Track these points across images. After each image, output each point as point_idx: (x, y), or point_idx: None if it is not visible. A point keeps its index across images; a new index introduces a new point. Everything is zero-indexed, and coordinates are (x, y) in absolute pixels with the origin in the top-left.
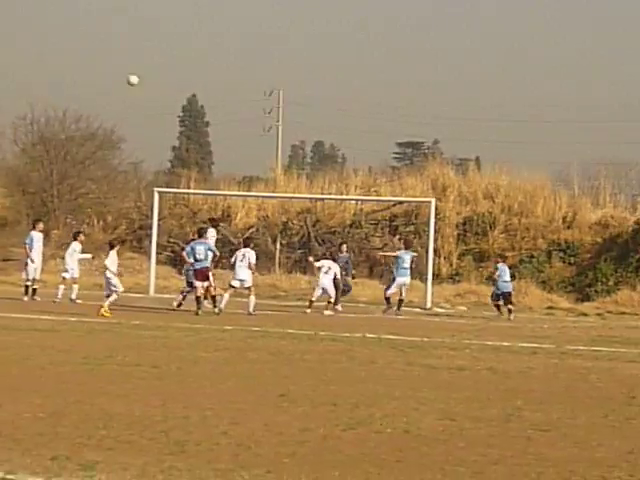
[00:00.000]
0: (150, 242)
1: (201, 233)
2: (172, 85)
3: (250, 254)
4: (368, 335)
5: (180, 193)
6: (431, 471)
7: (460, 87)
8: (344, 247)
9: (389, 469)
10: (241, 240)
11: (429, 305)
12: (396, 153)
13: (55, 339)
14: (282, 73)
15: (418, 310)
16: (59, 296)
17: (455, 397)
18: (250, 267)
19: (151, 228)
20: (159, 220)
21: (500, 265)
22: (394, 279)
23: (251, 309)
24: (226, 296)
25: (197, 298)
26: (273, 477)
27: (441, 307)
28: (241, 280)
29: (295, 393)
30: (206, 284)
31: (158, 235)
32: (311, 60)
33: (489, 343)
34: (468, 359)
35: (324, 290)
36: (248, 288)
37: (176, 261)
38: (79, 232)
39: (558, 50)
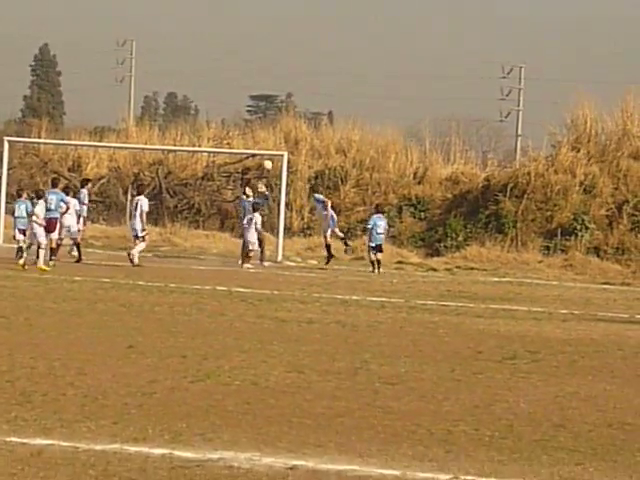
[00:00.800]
0: (0, 192)
1: (54, 183)
2: (24, 34)
3: (142, 202)
4: (218, 288)
5: (30, 143)
6: (278, 423)
7: (314, 41)
8: (248, 190)
9: (236, 421)
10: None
11: (280, 258)
12: (249, 106)
13: None
14: (135, 23)
15: (269, 263)
16: None
17: (304, 350)
18: (141, 215)
19: (0, 178)
20: (9, 170)
21: (375, 217)
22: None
23: (136, 260)
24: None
25: (51, 249)
26: (120, 428)
27: (292, 260)
28: (133, 229)
29: (144, 345)
30: (53, 236)
31: (8, 185)
32: (165, 10)
33: (338, 297)
34: (317, 313)
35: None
36: (136, 237)
37: None
38: None
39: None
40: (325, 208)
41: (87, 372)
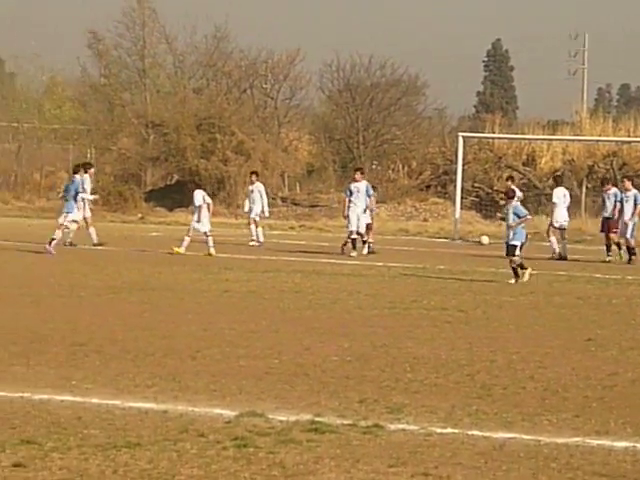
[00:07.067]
0: (455, 187)
1: None
2: (476, 31)
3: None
4: None
5: (484, 138)
6: None
7: None
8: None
9: None
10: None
11: None
12: None
13: (362, 284)
14: (588, 15)
15: None
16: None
17: None
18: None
19: (455, 173)
20: (463, 165)
21: None
22: None
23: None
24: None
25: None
26: (581, 421)
27: None
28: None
29: (603, 337)
30: None
31: (462, 180)
32: (618, 2)
33: None
34: None
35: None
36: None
37: (481, 206)
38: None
39: None
40: None
41: (546, 365)
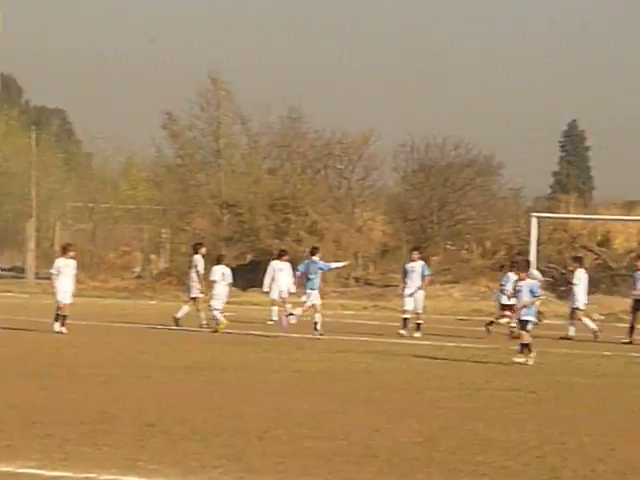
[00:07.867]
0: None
1: None
2: (552, 111)
3: None
4: None
5: (558, 218)
6: None
7: None
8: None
9: None
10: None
11: None
12: None
13: (433, 365)
14: None
15: None
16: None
17: None
18: None
19: (530, 253)
20: (538, 245)
21: None
22: None
23: None
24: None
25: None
26: None
27: None
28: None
29: None
30: None
31: (537, 260)
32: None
33: None
34: None
35: None
36: None
37: (555, 286)
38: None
39: None
40: None
41: (617, 448)
